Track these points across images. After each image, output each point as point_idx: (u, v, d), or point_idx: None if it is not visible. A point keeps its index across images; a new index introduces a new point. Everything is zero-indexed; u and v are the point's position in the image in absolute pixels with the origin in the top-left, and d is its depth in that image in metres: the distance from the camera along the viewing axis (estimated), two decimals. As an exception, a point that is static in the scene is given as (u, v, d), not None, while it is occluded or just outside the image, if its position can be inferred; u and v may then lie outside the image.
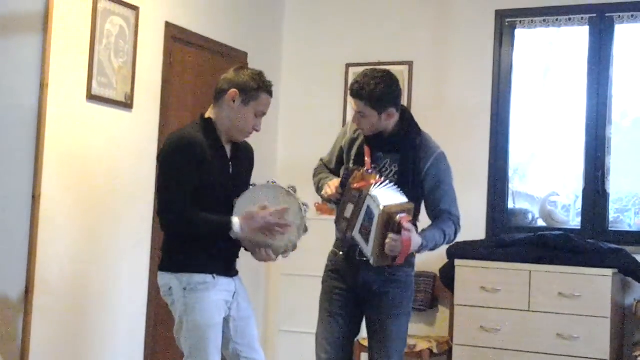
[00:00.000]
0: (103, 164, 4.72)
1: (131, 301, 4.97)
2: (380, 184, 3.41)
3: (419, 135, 3.65)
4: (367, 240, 3.40)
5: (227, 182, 3.34)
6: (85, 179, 4.59)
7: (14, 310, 4.14)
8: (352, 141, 3.68)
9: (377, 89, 3.47)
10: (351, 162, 3.63)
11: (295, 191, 3.36)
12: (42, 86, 4.25)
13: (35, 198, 4.22)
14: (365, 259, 3.55)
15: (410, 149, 3.59)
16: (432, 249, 3.58)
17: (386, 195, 3.39)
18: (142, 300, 5.05)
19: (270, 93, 3.40)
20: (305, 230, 3.35)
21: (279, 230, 3.27)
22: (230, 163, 3.40)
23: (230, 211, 3.30)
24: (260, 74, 3.41)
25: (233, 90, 3.34)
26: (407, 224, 3.35)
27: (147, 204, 5.07)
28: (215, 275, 3.29)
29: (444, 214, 3.61)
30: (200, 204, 3.23)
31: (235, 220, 3.23)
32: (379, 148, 3.59)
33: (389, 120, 3.56)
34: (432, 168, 3.59)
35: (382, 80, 3.49)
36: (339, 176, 3.64)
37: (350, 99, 3.58)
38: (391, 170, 3.58)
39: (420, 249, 3.49)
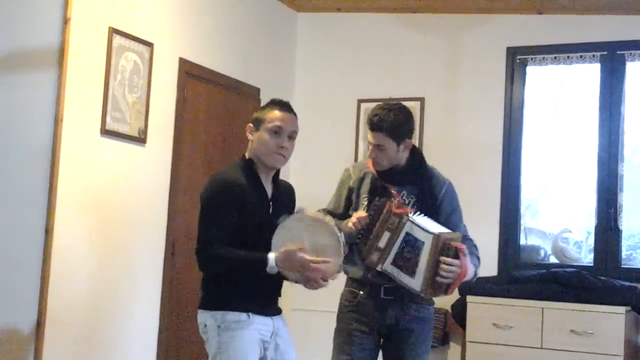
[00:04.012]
0: (116, 198, 4.74)
1: (142, 335, 4.97)
2: (416, 213, 3.42)
3: (427, 167, 3.73)
4: (411, 272, 3.36)
5: (266, 222, 3.29)
6: (98, 213, 4.61)
7: (26, 343, 4.15)
8: (360, 180, 3.69)
9: (397, 119, 3.54)
10: (365, 198, 3.62)
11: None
12: (57, 121, 4.30)
13: (48, 232, 4.24)
14: (390, 297, 3.55)
15: (425, 180, 3.65)
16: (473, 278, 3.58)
17: (428, 223, 3.40)
18: (153, 335, 5.05)
19: (278, 107, 3.36)
20: (346, 249, 3.28)
21: (316, 270, 3.18)
22: (271, 203, 3.36)
23: (269, 250, 3.24)
24: (271, 99, 3.42)
25: (247, 126, 3.39)
26: (464, 248, 3.36)
27: (160, 238, 5.10)
28: (250, 314, 3.22)
29: (465, 241, 3.62)
30: (240, 244, 3.20)
31: (271, 257, 3.16)
32: (392, 182, 3.61)
33: (404, 153, 3.61)
34: (447, 196, 3.65)
35: (400, 111, 3.57)
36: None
37: (368, 133, 3.59)
38: (409, 202, 3.59)
39: (473, 277, 3.49)
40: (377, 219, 3.44)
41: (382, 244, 3.40)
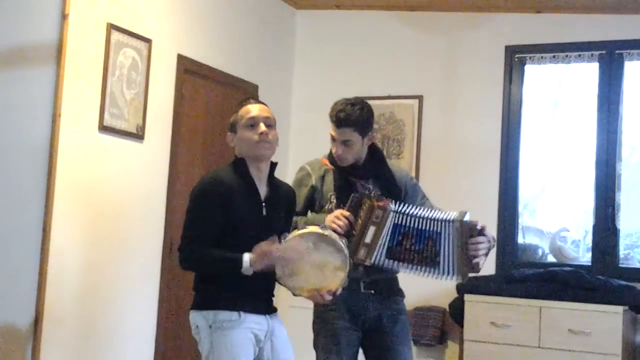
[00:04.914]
0: (114, 195, 4.72)
1: (140, 333, 4.96)
2: (397, 203, 3.42)
3: (386, 159, 3.81)
4: (431, 263, 3.37)
5: (257, 224, 3.23)
6: (96, 210, 4.60)
7: (23, 341, 4.13)
8: (322, 179, 3.69)
9: (362, 114, 3.58)
10: (332, 196, 3.62)
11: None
12: (55, 117, 4.28)
13: (45, 229, 4.23)
14: (370, 291, 3.58)
15: (387, 172, 3.72)
16: None
17: (419, 210, 3.42)
18: (150, 332, 5.04)
19: (246, 103, 3.37)
20: (351, 264, 3.23)
21: (290, 261, 3.12)
22: (264, 204, 3.30)
23: None
24: (239, 102, 3.43)
25: (227, 136, 3.38)
26: (483, 225, 3.42)
27: (158, 235, 5.09)
28: (241, 312, 3.18)
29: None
30: (229, 244, 3.16)
31: (246, 257, 3.11)
32: (356, 176, 3.64)
33: (366, 147, 3.66)
34: (408, 185, 3.75)
35: (363, 105, 3.62)
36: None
37: (332, 129, 3.60)
38: (376, 194, 3.59)
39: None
40: (356, 214, 3.42)
41: (368, 239, 3.38)
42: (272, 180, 3.38)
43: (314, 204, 3.68)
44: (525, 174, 5.97)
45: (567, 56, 5.86)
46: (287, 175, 6.25)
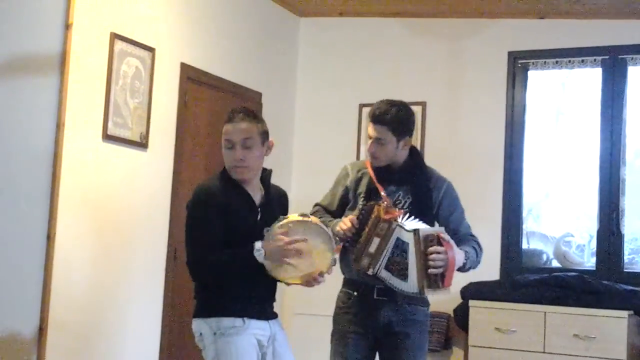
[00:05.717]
0: (118, 203, 4.74)
1: (144, 342, 4.96)
2: (407, 216, 3.41)
3: (426, 167, 3.72)
4: (402, 276, 3.34)
5: (254, 229, 3.25)
6: (100, 219, 4.61)
7: (28, 348, 4.15)
8: (358, 180, 3.68)
9: (399, 114, 3.54)
10: (361, 198, 3.61)
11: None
12: (58, 126, 4.30)
13: (50, 238, 4.24)
14: (384, 298, 3.54)
15: (423, 180, 3.64)
16: (471, 267, 3.55)
17: (415, 224, 3.39)
18: (155, 342, 5.04)
19: (227, 119, 3.33)
20: (337, 242, 3.30)
21: (292, 252, 3.18)
22: (259, 210, 3.34)
23: None
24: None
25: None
26: (444, 235, 3.35)
27: (162, 243, 5.10)
28: (245, 318, 3.20)
29: (466, 237, 3.63)
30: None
31: (258, 244, 3.16)
32: (389, 182, 3.60)
33: (403, 151, 3.61)
34: (445, 197, 3.64)
35: (402, 107, 3.58)
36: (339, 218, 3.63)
37: (369, 126, 3.58)
38: (405, 202, 3.58)
39: (465, 265, 3.47)
40: (366, 223, 3.42)
41: (372, 249, 3.38)
42: (266, 186, 3.41)
43: (348, 203, 3.69)
44: (529, 180, 5.97)
45: (570, 61, 5.87)
46: (291, 181, 6.29)
